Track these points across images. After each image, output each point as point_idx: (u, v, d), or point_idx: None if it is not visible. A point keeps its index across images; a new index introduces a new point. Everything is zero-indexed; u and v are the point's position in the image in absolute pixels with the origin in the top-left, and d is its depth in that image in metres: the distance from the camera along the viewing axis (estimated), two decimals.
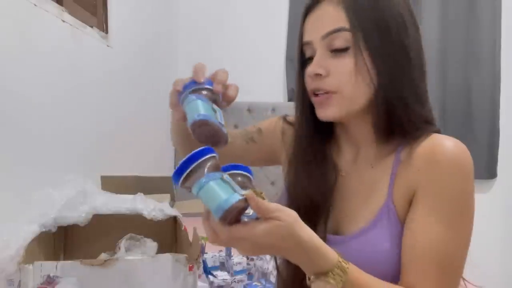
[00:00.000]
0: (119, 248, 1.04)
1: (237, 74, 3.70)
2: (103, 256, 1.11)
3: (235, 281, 1.43)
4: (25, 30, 1.32)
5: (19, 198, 1.18)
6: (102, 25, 1.88)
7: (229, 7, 2.94)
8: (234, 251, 1.51)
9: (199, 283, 1.40)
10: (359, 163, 0.81)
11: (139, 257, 0.98)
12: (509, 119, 2.76)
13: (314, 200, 0.78)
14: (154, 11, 2.52)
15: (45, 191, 1.14)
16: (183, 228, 1.12)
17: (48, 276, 0.83)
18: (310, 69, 0.75)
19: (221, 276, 1.44)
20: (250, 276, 1.47)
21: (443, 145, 0.73)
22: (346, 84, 0.72)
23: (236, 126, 2.81)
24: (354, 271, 0.64)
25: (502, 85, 2.74)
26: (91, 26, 1.76)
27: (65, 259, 1.18)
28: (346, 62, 0.72)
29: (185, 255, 0.94)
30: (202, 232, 1.22)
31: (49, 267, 0.86)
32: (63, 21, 1.52)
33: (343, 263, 0.63)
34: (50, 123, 1.45)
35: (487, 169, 2.75)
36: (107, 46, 1.88)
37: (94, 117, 1.77)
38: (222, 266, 1.50)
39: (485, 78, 2.73)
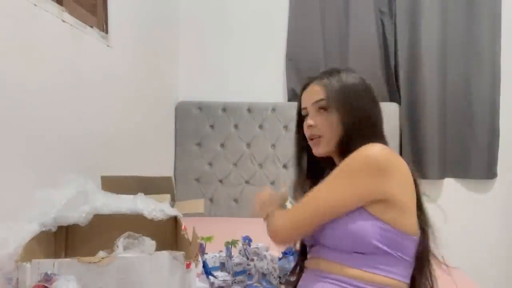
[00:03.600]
0: (117, 247, 1.04)
1: (237, 74, 3.71)
2: (101, 254, 1.11)
3: (235, 282, 1.43)
4: (25, 30, 1.32)
5: (20, 198, 1.19)
6: (102, 25, 1.88)
7: (229, 7, 2.94)
8: (234, 252, 1.52)
9: (200, 284, 1.40)
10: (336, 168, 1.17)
11: (137, 255, 0.98)
12: (509, 119, 2.75)
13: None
14: (154, 11, 2.53)
15: (46, 191, 1.14)
16: (183, 228, 1.13)
17: (46, 273, 0.84)
18: (307, 122, 1.18)
19: (222, 276, 1.44)
20: (250, 276, 1.47)
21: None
22: (326, 131, 1.15)
23: (236, 126, 2.82)
24: (278, 212, 1.13)
25: (502, 85, 2.74)
26: (91, 26, 1.76)
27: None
28: (325, 118, 1.15)
29: (183, 252, 0.94)
30: (201, 232, 1.22)
31: (47, 265, 0.86)
32: (63, 21, 1.52)
33: (271, 211, 1.14)
34: (50, 123, 1.46)
35: (487, 169, 2.74)
36: (107, 46, 1.89)
37: (94, 117, 1.77)
38: (223, 267, 1.50)
39: (485, 78, 2.72)
